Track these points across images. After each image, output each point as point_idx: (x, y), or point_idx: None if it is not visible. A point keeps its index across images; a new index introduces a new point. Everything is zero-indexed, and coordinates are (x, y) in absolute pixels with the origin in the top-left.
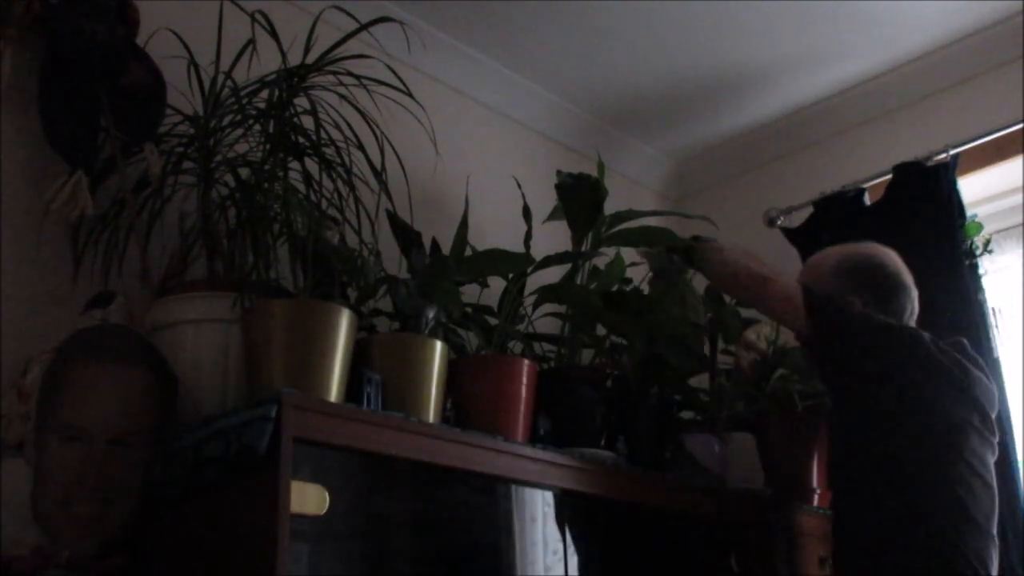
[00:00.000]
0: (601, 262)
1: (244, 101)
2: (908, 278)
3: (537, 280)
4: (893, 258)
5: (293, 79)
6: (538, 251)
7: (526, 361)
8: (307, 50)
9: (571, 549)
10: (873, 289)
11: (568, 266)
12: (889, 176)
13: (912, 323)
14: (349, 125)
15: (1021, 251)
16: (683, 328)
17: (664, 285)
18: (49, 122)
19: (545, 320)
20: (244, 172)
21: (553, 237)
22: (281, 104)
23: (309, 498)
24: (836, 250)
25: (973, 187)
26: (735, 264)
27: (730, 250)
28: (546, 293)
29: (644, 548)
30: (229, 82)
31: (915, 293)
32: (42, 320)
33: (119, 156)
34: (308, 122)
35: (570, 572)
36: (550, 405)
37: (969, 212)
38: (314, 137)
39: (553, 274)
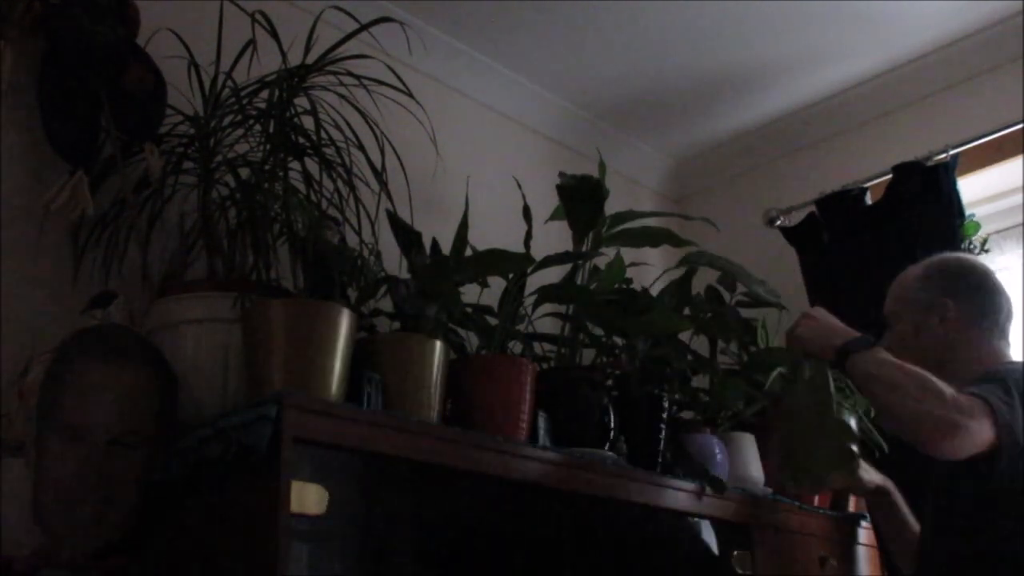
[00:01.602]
0: (601, 262)
1: (244, 101)
2: (999, 281)
3: (537, 280)
4: (981, 262)
5: (293, 79)
6: (538, 251)
7: (526, 361)
8: (307, 50)
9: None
10: (966, 291)
11: (568, 266)
12: (889, 176)
13: (1009, 325)
14: (349, 125)
15: (1021, 251)
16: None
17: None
18: (49, 122)
19: (545, 320)
20: (244, 172)
21: (553, 237)
22: (281, 104)
23: (309, 498)
24: (917, 265)
25: (973, 187)
26: (905, 378)
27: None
28: (546, 293)
29: (644, 548)
30: (229, 82)
31: (1009, 296)
32: (42, 320)
33: (119, 156)
34: (308, 122)
35: (570, 572)
36: (550, 405)
37: (969, 212)
38: (314, 137)
39: (553, 274)
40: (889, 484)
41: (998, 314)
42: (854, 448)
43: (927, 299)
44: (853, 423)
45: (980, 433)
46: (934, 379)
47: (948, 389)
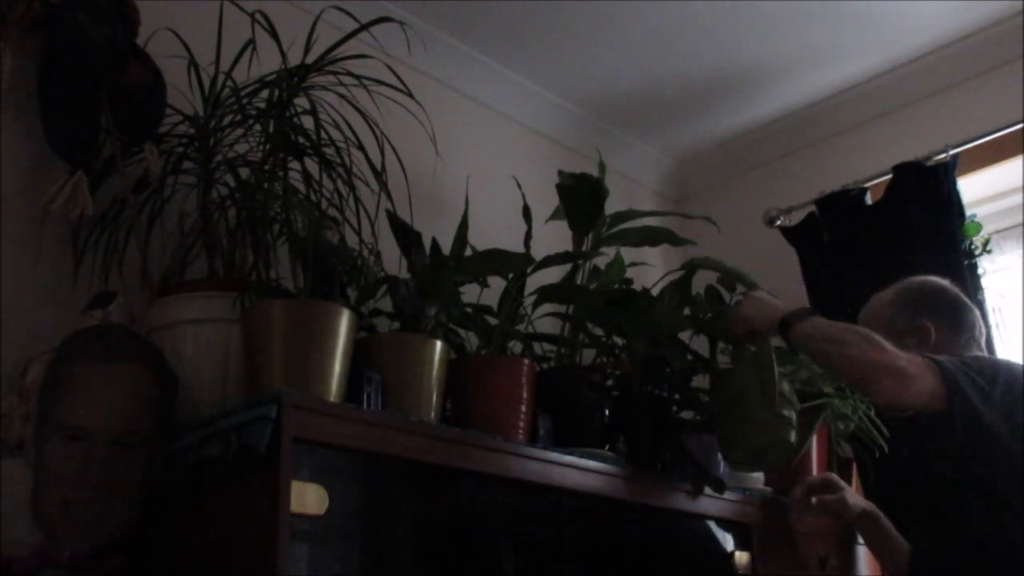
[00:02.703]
0: (601, 262)
1: (244, 101)
2: (966, 299)
3: (537, 280)
4: (946, 282)
5: (293, 79)
6: (538, 251)
7: (526, 361)
8: (307, 50)
9: (570, 546)
10: (940, 311)
11: (568, 266)
12: (889, 176)
13: (983, 340)
14: (349, 125)
15: (1021, 251)
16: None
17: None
18: (49, 122)
19: (545, 320)
20: (244, 172)
21: (553, 237)
22: (281, 104)
23: (309, 498)
24: (888, 290)
25: (973, 187)
26: (860, 350)
27: (821, 320)
28: (546, 293)
29: (644, 548)
30: (229, 82)
31: (978, 312)
32: (42, 320)
33: (119, 156)
34: (308, 122)
35: (570, 572)
36: (550, 405)
37: (969, 212)
38: (314, 137)
39: (553, 274)
40: (873, 508)
41: (972, 330)
42: (788, 414)
43: (904, 322)
44: (787, 388)
45: (923, 382)
46: (873, 333)
47: (888, 344)
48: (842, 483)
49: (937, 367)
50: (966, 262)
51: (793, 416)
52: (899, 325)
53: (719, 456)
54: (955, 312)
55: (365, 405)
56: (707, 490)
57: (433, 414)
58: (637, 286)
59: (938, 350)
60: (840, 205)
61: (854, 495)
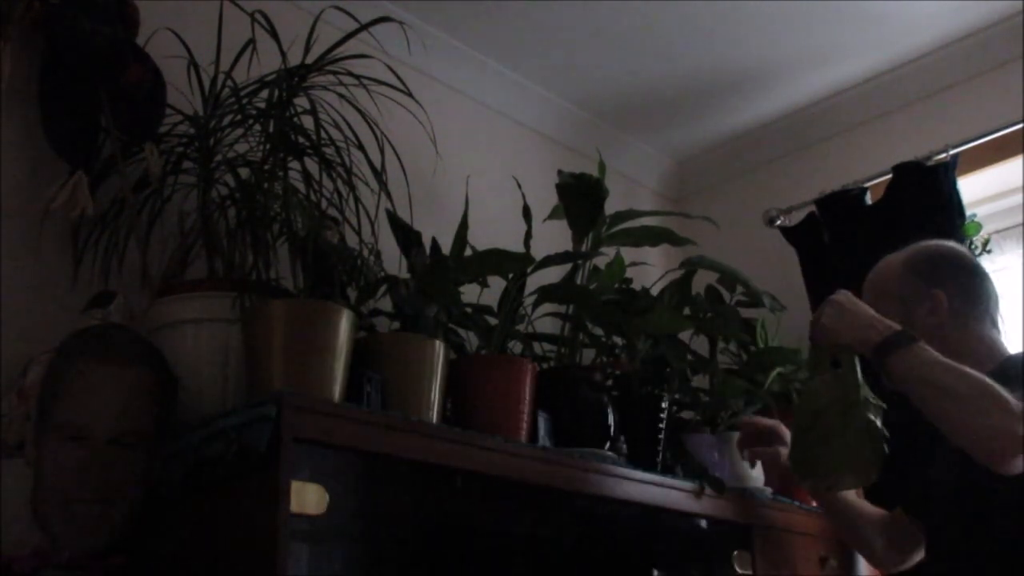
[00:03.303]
0: (601, 262)
1: (244, 101)
2: (984, 267)
3: (537, 280)
4: (963, 248)
5: (293, 79)
6: (538, 251)
7: (526, 361)
8: (307, 50)
9: (570, 546)
10: (956, 280)
11: (568, 266)
12: (889, 176)
13: (999, 313)
14: (349, 125)
15: (1021, 251)
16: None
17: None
18: (49, 122)
19: (545, 320)
20: (244, 172)
21: (553, 237)
22: (281, 104)
23: (309, 498)
24: (897, 254)
25: (973, 187)
26: (960, 382)
27: (928, 354)
28: (546, 293)
29: (644, 548)
30: (229, 82)
31: (994, 282)
32: (42, 320)
33: (119, 156)
34: (308, 122)
35: (570, 572)
36: (550, 405)
37: (969, 212)
38: (314, 137)
39: (553, 274)
40: None
41: (988, 301)
42: (884, 449)
43: (914, 291)
44: (879, 423)
45: None
46: (995, 385)
47: (1011, 398)
48: (784, 436)
49: None
50: None
51: (883, 447)
52: (909, 292)
53: (718, 456)
54: (971, 280)
55: (365, 405)
56: (707, 490)
57: (433, 414)
58: (637, 286)
59: (949, 320)
60: (840, 205)
61: None
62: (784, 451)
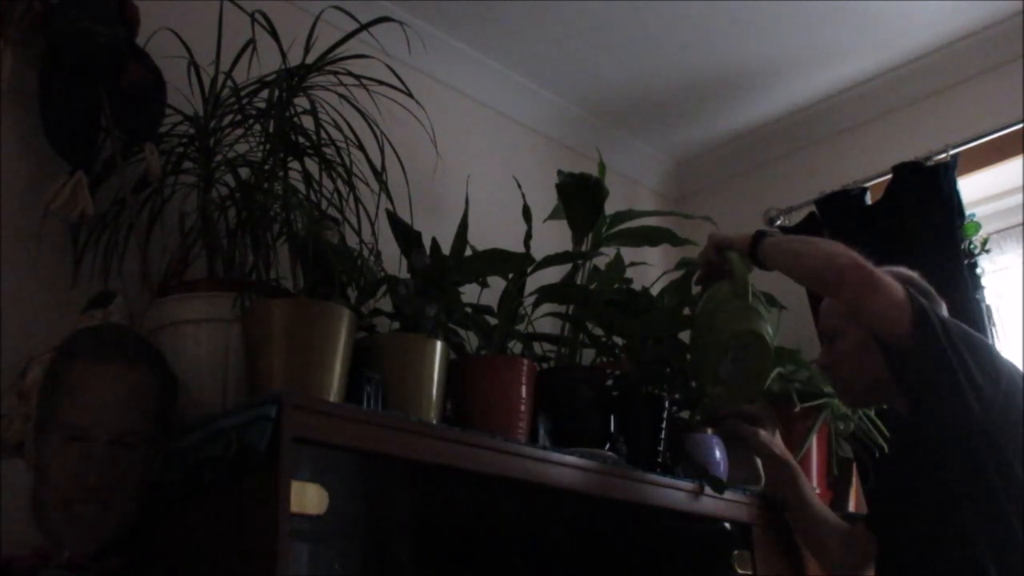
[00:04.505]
0: (601, 262)
1: (244, 101)
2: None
3: (537, 280)
4: (915, 274)
5: (293, 79)
6: (538, 251)
7: (526, 361)
8: (307, 50)
9: (570, 546)
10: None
11: (568, 266)
12: (889, 176)
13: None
14: (349, 125)
15: (1021, 251)
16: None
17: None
18: (49, 122)
19: (545, 320)
20: (244, 172)
21: (553, 237)
22: (281, 104)
23: (309, 498)
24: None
25: (973, 187)
26: (827, 249)
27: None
28: (546, 293)
29: (644, 548)
30: (229, 82)
31: (945, 306)
32: (42, 320)
33: (119, 156)
34: (308, 122)
35: (570, 572)
36: (550, 405)
37: (969, 212)
38: (314, 137)
39: (553, 274)
40: (792, 460)
41: None
42: (762, 311)
43: None
44: (770, 330)
45: (888, 288)
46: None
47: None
48: (770, 421)
49: (905, 290)
50: (965, 262)
51: (766, 315)
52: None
53: (719, 456)
54: (928, 301)
55: (365, 405)
56: (707, 490)
57: (433, 414)
58: (637, 286)
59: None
60: (840, 205)
61: (775, 441)
62: (765, 435)
